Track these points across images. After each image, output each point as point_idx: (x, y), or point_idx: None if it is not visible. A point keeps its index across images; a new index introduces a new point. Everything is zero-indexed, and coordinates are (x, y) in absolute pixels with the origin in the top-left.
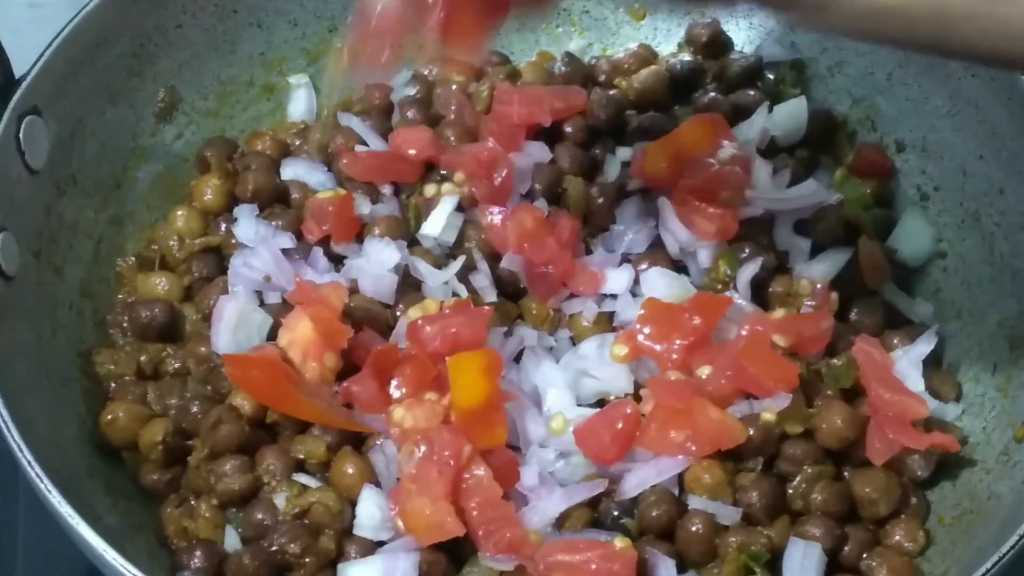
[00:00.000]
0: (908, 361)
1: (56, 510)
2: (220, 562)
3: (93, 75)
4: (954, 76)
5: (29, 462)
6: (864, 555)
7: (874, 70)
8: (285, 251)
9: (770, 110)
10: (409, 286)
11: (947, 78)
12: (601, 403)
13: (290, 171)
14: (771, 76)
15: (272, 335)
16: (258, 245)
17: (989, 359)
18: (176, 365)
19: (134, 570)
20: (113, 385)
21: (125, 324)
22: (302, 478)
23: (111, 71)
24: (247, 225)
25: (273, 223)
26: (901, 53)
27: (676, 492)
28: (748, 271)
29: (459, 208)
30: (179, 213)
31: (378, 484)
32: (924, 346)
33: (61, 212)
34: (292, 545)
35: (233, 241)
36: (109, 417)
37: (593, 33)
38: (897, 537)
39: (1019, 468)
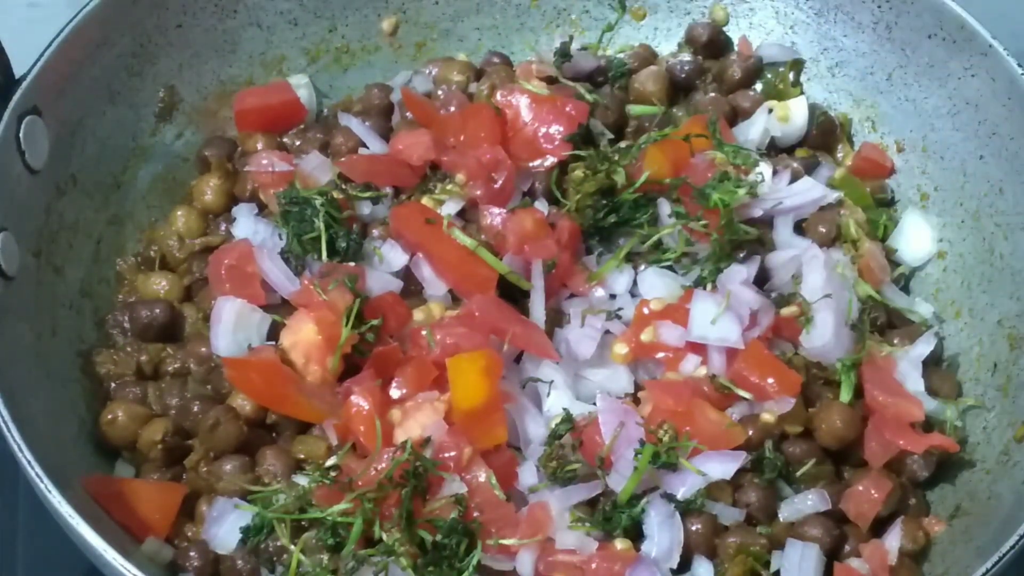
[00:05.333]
0: (908, 362)
1: (56, 510)
2: (216, 560)
3: (93, 75)
4: (954, 76)
5: (29, 462)
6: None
7: (874, 70)
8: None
9: (770, 110)
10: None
11: (947, 78)
12: None
13: None
14: (771, 76)
15: (271, 334)
16: (257, 245)
17: (989, 359)
18: (176, 365)
19: (134, 570)
20: (113, 385)
21: (125, 324)
22: (302, 478)
23: (111, 71)
24: (246, 224)
25: (272, 223)
26: (901, 53)
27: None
28: (748, 271)
29: (461, 211)
30: (179, 213)
31: None
32: (924, 347)
33: (61, 212)
34: None
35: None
36: (109, 417)
37: (593, 33)
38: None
39: (1019, 468)
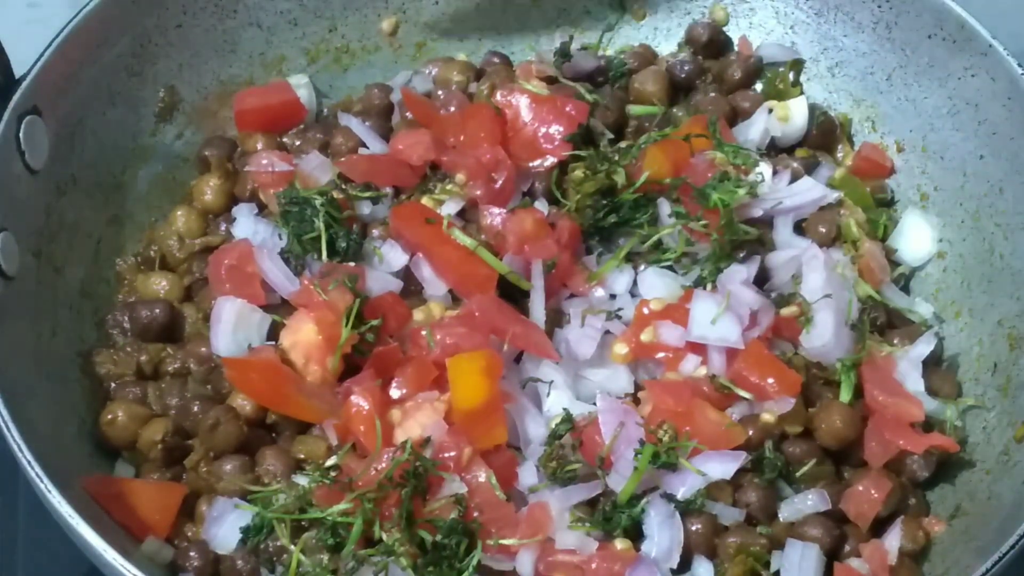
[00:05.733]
0: (908, 362)
1: (56, 510)
2: (216, 560)
3: (93, 75)
4: (954, 76)
5: (29, 462)
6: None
7: (874, 70)
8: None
9: (770, 110)
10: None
11: (947, 78)
12: None
13: None
14: (771, 76)
15: (271, 334)
16: (257, 245)
17: (989, 359)
18: (176, 365)
19: (134, 570)
20: (113, 385)
21: (125, 324)
22: (302, 478)
23: (111, 71)
24: (246, 224)
25: (272, 223)
26: (901, 53)
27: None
28: (748, 271)
29: (461, 211)
30: (179, 213)
31: None
32: (924, 347)
33: (61, 212)
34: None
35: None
36: (109, 417)
37: (593, 33)
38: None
39: (1019, 468)
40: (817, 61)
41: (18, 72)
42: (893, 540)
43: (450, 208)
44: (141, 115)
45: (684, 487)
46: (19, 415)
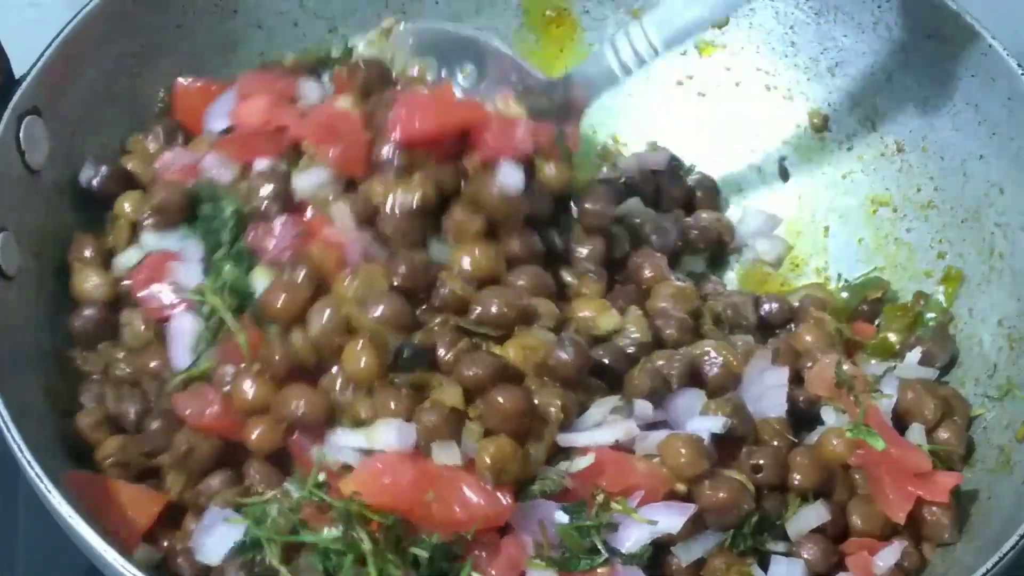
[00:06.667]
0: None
1: (56, 510)
2: (206, 569)
3: (93, 75)
4: (954, 76)
5: (29, 462)
6: None
7: (874, 70)
8: None
9: None
10: None
11: (947, 78)
12: None
13: None
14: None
15: None
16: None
17: (989, 359)
18: (128, 370)
19: (134, 570)
20: (80, 386)
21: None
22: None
23: (111, 71)
24: (153, 239)
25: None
26: (901, 53)
27: None
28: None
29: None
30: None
31: None
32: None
33: (61, 212)
34: None
35: None
36: (78, 423)
37: (593, 33)
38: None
39: (1019, 468)
40: (817, 61)
41: (18, 72)
42: (890, 556)
43: (305, 181)
44: (141, 115)
45: (629, 541)
46: (19, 415)
